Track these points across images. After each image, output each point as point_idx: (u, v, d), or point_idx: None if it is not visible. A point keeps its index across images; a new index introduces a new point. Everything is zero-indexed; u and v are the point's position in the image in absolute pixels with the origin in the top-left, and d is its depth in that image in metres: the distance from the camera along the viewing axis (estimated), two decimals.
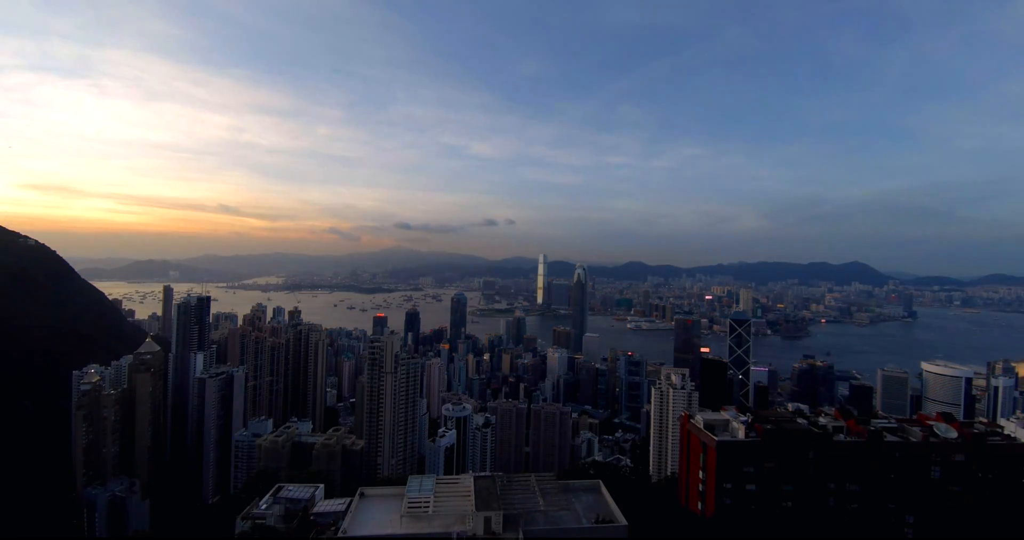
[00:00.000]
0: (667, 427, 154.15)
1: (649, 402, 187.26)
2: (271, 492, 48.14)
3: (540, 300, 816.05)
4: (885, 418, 69.66)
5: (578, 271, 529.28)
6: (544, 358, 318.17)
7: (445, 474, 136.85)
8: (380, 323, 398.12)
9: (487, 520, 37.44)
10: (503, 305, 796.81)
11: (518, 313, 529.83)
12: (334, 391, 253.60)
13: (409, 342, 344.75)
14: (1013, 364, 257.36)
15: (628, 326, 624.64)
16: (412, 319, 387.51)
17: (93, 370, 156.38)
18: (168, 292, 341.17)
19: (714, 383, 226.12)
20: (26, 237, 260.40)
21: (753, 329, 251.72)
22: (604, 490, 44.97)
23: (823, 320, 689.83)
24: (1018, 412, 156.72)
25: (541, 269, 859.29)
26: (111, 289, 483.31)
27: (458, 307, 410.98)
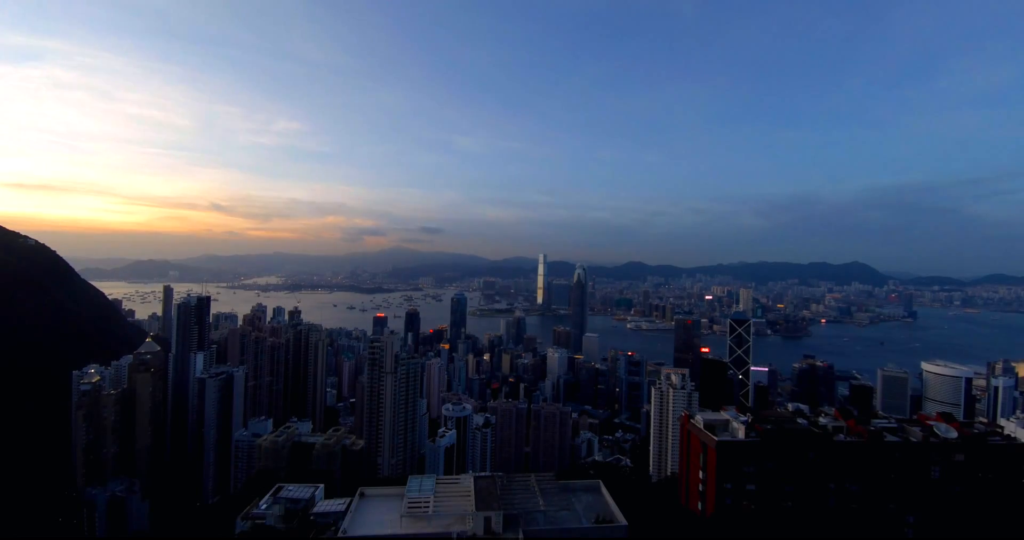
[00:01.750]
0: (667, 427, 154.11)
1: (649, 402, 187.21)
2: (271, 492, 48.17)
3: (540, 300, 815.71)
4: (885, 418, 69.66)
5: (578, 271, 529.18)
6: (544, 358, 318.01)
7: (445, 474, 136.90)
8: (380, 323, 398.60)
9: (487, 520, 37.46)
10: (503, 305, 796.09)
11: (518, 313, 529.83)
12: (334, 391, 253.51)
13: (409, 342, 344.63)
14: (1013, 364, 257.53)
15: (628, 326, 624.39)
16: (412, 319, 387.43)
17: (93, 370, 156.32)
18: (168, 292, 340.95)
19: (714, 383, 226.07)
20: (26, 237, 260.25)
21: (753, 329, 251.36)
22: (604, 490, 45.03)
23: (823, 320, 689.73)
24: (1018, 412, 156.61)
25: (541, 269, 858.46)
26: (111, 289, 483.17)
27: (458, 307, 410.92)
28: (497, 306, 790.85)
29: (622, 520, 39.55)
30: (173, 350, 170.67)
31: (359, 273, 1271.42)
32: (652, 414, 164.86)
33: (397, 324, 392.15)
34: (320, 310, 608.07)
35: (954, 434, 60.28)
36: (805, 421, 64.14)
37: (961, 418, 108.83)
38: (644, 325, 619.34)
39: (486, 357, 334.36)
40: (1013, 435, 62.07)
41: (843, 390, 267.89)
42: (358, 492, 44.10)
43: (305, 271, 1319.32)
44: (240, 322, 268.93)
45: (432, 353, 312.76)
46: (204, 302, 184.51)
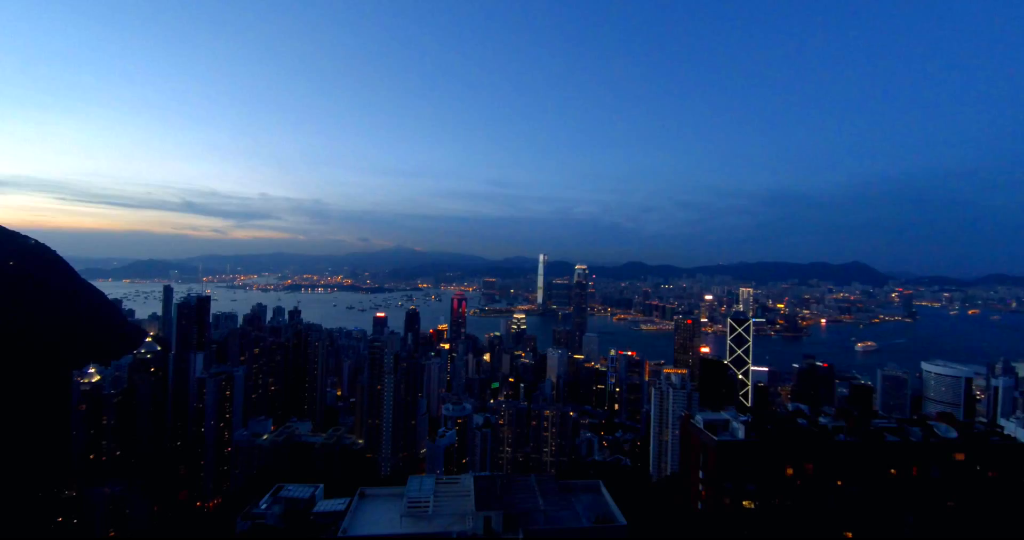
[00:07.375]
0: (667, 427, 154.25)
1: (649, 402, 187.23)
2: (271, 492, 48.19)
3: (540, 300, 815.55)
4: (885, 418, 69.68)
5: (578, 271, 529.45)
6: (544, 358, 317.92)
7: (445, 474, 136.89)
8: (380, 323, 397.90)
9: (487, 520, 37.42)
10: (503, 305, 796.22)
11: (518, 313, 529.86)
12: (334, 391, 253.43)
13: (409, 342, 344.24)
14: (1013, 364, 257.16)
15: (629, 327, 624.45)
16: (412, 319, 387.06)
17: (93, 370, 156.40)
18: (168, 292, 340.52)
19: (714, 383, 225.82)
20: (26, 236, 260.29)
21: (753, 329, 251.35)
22: (604, 490, 45.00)
23: (823, 320, 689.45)
24: (1018, 412, 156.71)
25: (541, 269, 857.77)
26: (111, 289, 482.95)
27: (458, 307, 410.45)
28: (497, 306, 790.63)
29: (622, 520, 39.53)
30: (173, 350, 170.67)
31: (359, 273, 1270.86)
32: (652, 414, 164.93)
33: (397, 324, 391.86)
34: (320, 310, 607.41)
35: (954, 434, 60.29)
36: (805, 421, 64.15)
37: (961, 418, 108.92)
38: (644, 325, 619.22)
39: (486, 357, 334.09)
40: (1013, 435, 62.08)
41: (843, 390, 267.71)
42: (358, 492, 44.04)
43: (305, 270, 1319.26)
44: (240, 322, 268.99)
45: (432, 353, 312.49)
46: (204, 302, 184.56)
